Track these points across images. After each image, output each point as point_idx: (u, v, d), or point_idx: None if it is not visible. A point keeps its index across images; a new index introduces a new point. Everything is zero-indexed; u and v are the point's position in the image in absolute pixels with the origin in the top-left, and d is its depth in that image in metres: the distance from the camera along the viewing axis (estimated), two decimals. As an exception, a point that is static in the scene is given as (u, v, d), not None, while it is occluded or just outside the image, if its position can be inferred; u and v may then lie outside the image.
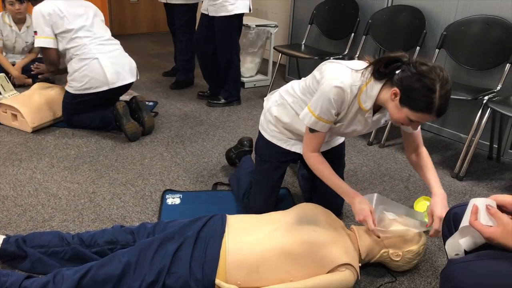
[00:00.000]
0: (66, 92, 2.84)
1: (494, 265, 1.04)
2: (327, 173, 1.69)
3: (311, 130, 1.65)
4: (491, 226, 1.10)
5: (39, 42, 2.72)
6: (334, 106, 1.55)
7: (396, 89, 1.44)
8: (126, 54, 2.94)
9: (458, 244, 1.20)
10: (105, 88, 2.74)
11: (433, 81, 1.37)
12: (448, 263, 1.14)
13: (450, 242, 1.23)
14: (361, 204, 1.61)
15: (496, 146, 2.77)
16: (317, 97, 1.57)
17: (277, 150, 1.89)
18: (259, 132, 1.97)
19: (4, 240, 1.63)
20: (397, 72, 1.47)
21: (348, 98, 1.54)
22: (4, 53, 3.67)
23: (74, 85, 2.76)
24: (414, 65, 1.42)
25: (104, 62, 2.73)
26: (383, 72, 1.48)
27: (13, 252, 1.61)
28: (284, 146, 1.88)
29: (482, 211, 1.14)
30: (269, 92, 3.75)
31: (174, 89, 3.88)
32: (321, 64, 1.67)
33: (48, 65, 2.89)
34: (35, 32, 2.72)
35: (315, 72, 1.68)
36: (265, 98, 2.01)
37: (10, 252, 1.61)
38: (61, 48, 2.76)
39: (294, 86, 1.82)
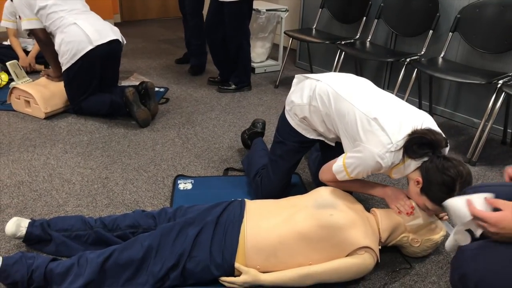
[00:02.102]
0: (63, 75, 2.86)
1: (503, 251, 1.03)
2: (351, 186, 1.73)
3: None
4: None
5: (24, 25, 2.80)
6: (369, 173, 1.59)
7: (419, 179, 1.50)
8: (104, 21, 2.94)
9: (455, 242, 1.20)
10: (90, 47, 2.72)
11: (454, 180, 1.42)
12: (457, 251, 1.13)
13: (449, 243, 1.23)
14: (393, 191, 1.67)
15: (510, 131, 2.74)
16: (356, 161, 1.56)
17: (301, 138, 1.88)
18: (285, 117, 1.91)
19: (30, 224, 1.68)
20: (427, 157, 1.50)
21: (383, 171, 1.58)
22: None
23: (64, 59, 2.77)
24: (441, 159, 1.46)
25: (83, 24, 2.75)
26: (416, 152, 1.49)
27: (39, 235, 1.66)
28: (308, 135, 1.86)
29: (480, 202, 1.12)
30: (278, 77, 3.73)
31: (192, 75, 3.88)
32: (369, 111, 1.57)
33: (43, 47, 2.92)
34: (19, 17, 2.82)
35: (362, 118, 1.57)
36: (296, 77, 1.93)
37: (36, 235, 1.66)
38: (48, 30, 2.82)
39: (330, 93, 1.71)
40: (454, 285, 1.07)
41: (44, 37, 2.85)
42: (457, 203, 1.16)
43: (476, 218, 1.09)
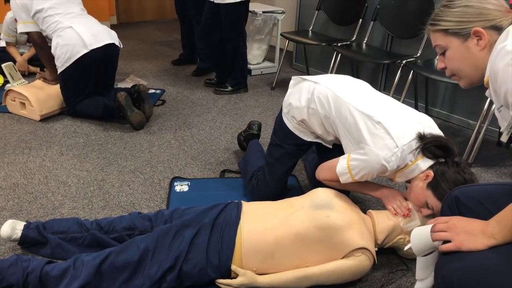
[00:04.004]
0: (59, 78, 2.85)
1: (483, 251, 1.04)
2: (348, 185, 1.72)
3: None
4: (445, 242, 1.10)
5: (20, 28, 2.82)
6: (375, 176, 1.60)
7: (431, 173, 1.51)
8: (102, 25, 2.93)
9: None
10: (84, 51, 2.72)
11: (465, 182, 1.45)
12: (440, 255, 1.14)
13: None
14: (390, 192, 1.68)
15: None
16: (360, 163, 1.56)
17: (298, 141, 1.87)
18: (282, 119, 1.89)
19: (25, 226, 1.67)
20: (442, 159, 1.52)
21: (388, 174, 1.59)
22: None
23: (59, 63, 2.77)
24: (459, 164, 1.50)
25: (78, 28, 2.75)
26: (433, 152, 1.51)
27: (34, 238, 1.65)
28: (305, 138, 1.86)
29: (425, 237, 1.15)
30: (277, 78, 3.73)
31: (195, 76, 3.88)
32: (372, 115, 1.57)
33: (38, 50, 2.92)
34: (15, 20, 2.83)
35: (367, 121, 1.58)
36: (293, 78, 1.92)
37: (31, 238, 1.65)
38: (45, 34, 2.82)
39: (329, 96, 1.71)
40: (438, 287, 1.08)
41: (40, 40, 2.85)
42: (420, 234, 1.19)
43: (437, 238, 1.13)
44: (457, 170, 1.48)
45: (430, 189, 1.51)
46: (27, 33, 2.84)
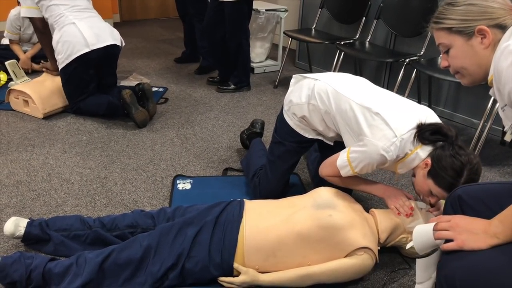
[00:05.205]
0: (60, 73, 2.85)
1: (484, 250, 1.04)
2: (351, 182, 1.72)
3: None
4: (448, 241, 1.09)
5: (23, 12, 2.81)
6: (374, 168, 1.59)
7: (429, 161, 1.50)
8: (106, 23, 2.93)
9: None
10: (86, 50, 2.71)
11: (463, 166, 1.44)
12: (442, 254, 1.14)
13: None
14: (393, 191, 1.67)
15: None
16: (360, 155, 1.56)
17: (299, 138, 1.88)
18: (283, 117, 1.90)
19: (28, 223, 1.67)
20: (438, 144, 1.51)
21: (388, 165, 1.58)
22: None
23: (60, 58, 2.78)
24: (454, 146, 1.47)
25: (82, 26, 2.74)
26: (428, 138, 1.50)
27: (37, 235, 1.65)
28: (306, 135, 1.86)
29: (427, 235, 1.14)
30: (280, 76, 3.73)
31: (198, 74, 3.88)
32: (371, 106, 1.57)
33: (40, 36, 2.93)
34: (19, 3, 2.81)
35: (365, 113, 1.58)
36: (294, 77, 1.92)
37: (34, 235, 1.66)
38: (47, 21, 2.82)
39: (329, 91, 1.71)
40: (440, 286, 1.08)
41: (42, 27, 2.85)
42: (422, 232, 1.18)
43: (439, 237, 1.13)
44: (452, 154, 1.45)
45: (430, 178, 1.50)
46: (29, 18, 2.83)
